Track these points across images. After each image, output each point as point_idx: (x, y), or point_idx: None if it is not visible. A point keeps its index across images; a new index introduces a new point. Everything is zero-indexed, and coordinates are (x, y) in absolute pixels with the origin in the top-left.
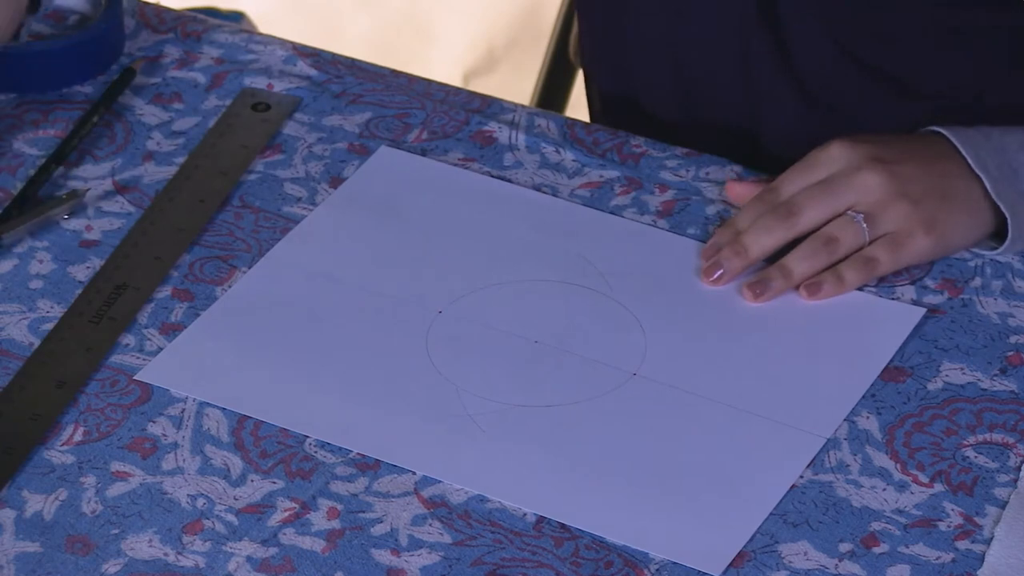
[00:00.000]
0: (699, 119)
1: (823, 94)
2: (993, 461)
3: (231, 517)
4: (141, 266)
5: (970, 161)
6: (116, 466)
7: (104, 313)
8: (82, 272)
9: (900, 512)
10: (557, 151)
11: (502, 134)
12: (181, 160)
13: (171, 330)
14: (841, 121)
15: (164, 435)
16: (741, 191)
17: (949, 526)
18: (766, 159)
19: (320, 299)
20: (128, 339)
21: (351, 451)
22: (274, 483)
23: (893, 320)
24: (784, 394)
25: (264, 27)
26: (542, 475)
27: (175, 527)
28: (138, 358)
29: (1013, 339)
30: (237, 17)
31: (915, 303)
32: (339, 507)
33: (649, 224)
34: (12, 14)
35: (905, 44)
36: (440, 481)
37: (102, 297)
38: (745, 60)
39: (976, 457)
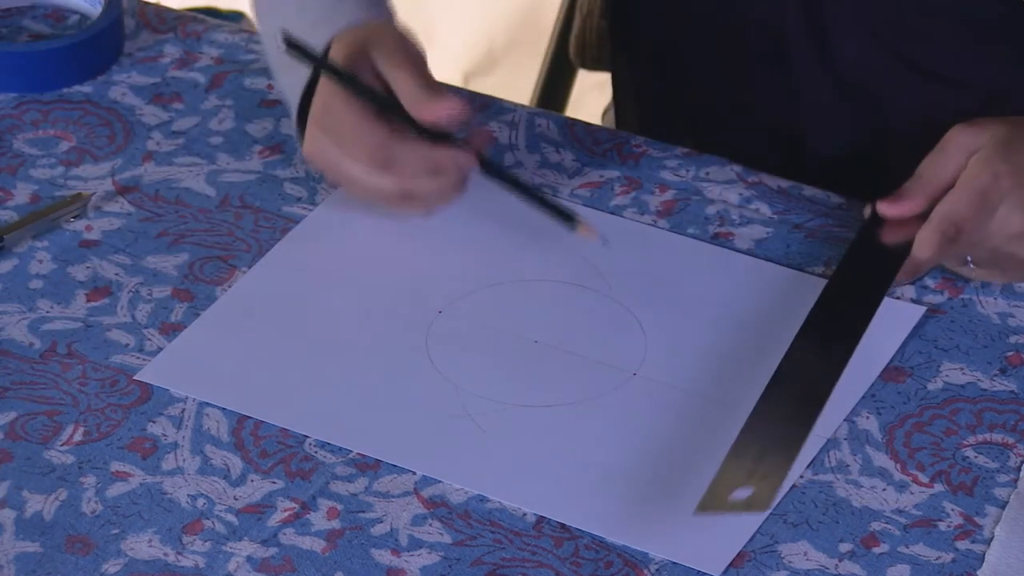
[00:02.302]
0: (739, 115)
1: (860, 81)
2: (993, 461)
3: (231, 517)
4: None
5: None
6: (116, 466)
7: None
8: (82, 272)
9: (900, 512)
10: (557, 151)
11: (502, 134)
12: (181, 160)
13: (171, 330)
14: (875, 108)
15: (164, 435)
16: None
17: (949, 526)
18: (807, 156)
19: (320, 299)
20: (128, 339)
21: (351, 451)
22: (274, 483)
23: (893, 320)
24: None
25: None
26: (542, 475)
27: (175, 527)
28: (138, 358)
29: (1013, 339)
30: (237, 17)
31: (915, 302)
32: (339, 507)
33: (649, 224)
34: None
35: (942, 38)
36: (440, 481)
37: None
38: (784, 49)
39: (976, 457)
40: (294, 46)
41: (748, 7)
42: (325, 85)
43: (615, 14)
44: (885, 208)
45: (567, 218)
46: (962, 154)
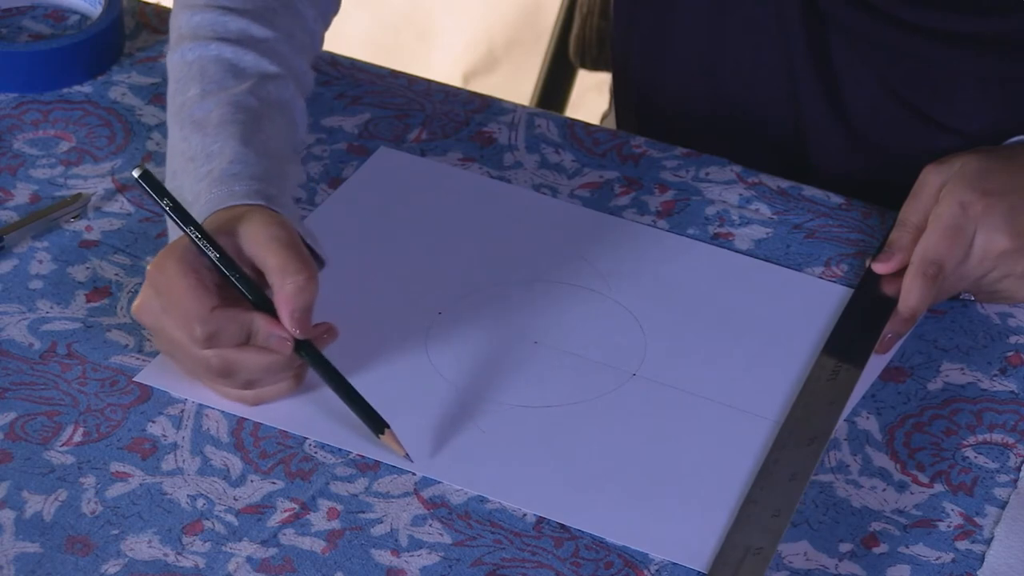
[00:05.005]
0: (746, 145)
1: (866, 127)
2: (993, 461)
3: (231, 517)
4: None
5: None
6: (116, 466)
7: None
8: (82, 272)
9: (900, 512)
10: (557, 151)
11: (502, 134)
12: None
13: None
14: (884, 153)
15: (164, 435)
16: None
17: (949, 526)
18: (812, 177)
19: (319, 299)
20: (128, 339)
21: (351, 451)
22: (274, 483)
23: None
24: (784, 394)
25: None
26: (542, 475)
27: (175, 527)
28: (138, 359)
29: (1013, 339)
30: None
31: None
32: (339, 507)
33: (649, 224)
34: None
35: (944, 88)
36: (440, 481)
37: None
38: (794, 95)
39: (976, 457)
40: (149, 182)
41: (756, 50)
42: (169, 246)
43: (616, 43)
44: (879, 267)
45: (375, 425)
46: (933, 192)
